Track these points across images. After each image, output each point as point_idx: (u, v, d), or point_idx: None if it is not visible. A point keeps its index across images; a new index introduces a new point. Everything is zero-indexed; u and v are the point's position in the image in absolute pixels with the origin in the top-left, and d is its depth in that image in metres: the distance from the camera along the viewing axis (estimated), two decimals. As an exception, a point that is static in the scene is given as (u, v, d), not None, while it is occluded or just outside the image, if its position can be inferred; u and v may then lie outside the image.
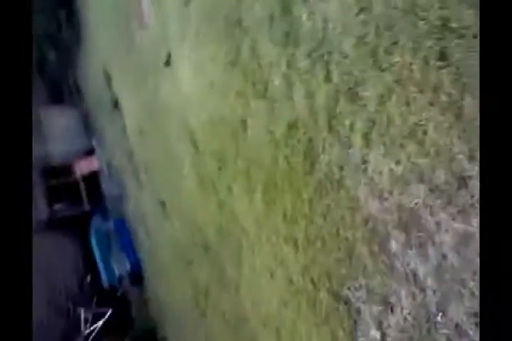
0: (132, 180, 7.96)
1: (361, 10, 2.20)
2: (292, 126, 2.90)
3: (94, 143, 10.40)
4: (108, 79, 7.81)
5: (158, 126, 5.81)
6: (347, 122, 2.45)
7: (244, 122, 3.53)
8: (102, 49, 8.02)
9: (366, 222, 2.47)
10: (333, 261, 2.78)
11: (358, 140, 2.39)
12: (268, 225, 3.56)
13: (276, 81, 2.94)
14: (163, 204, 6.49)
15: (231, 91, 3.57)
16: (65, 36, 9.55)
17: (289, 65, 2.80)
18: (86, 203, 10.85)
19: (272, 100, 3.07)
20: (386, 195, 2.31)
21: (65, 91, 11.04)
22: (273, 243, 3.51)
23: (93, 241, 8.71)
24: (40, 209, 10.46)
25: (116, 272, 8.28)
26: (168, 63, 4.52)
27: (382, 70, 2.16)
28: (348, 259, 2.65)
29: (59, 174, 11.01)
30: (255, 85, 3.21)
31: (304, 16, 2.59)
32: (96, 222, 9.60)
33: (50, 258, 10.55)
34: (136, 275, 8.30)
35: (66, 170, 11.15)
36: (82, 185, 11.03)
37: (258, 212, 3.70)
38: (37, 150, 10.30)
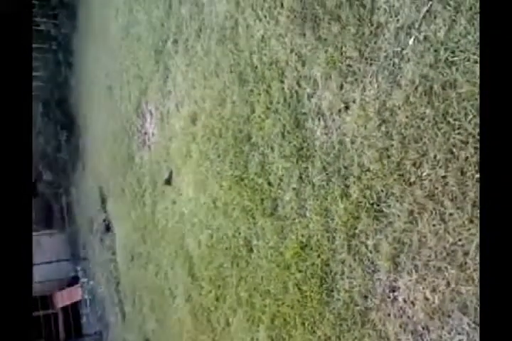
0: (116, 314, 7.43)
1: (383, 121, 2.15)
2: (305, 247, 2.70)
3: (79, 271, 10.03)
4: (103, 200, 7.77)
5: (151, 251, 5.57)
6: (370, 242, 2.26)
7: (248, 243, 3.33)
8: (100, 170, 8.11)
9: (398, 364, 2.14)
10: None
11: (384, 263, 2.17)
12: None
13: (287, 197, 2.81)
14: (148, 342, 5.95)
15: (236, 209, 3.43)
16: (62, 157, 9.80)
17: (301, 180, 2.70)
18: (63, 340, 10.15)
19: (281, 218, 2.91)
20: (421, 330, 2.03)
21: (55, 213, 10.98)
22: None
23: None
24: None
25: None
26: (169, 182, 4.46)
27: (410, 184, 2.03)
28: None
29: (37, 306, 10.48)
30: (263, 202, 3.07)
31: (319, 131, 2.55)
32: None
33: None
34: None
35: (45, 301, 10.65)
36: (60, 319, 10.43)
37: (262, 352, 3.29)
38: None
